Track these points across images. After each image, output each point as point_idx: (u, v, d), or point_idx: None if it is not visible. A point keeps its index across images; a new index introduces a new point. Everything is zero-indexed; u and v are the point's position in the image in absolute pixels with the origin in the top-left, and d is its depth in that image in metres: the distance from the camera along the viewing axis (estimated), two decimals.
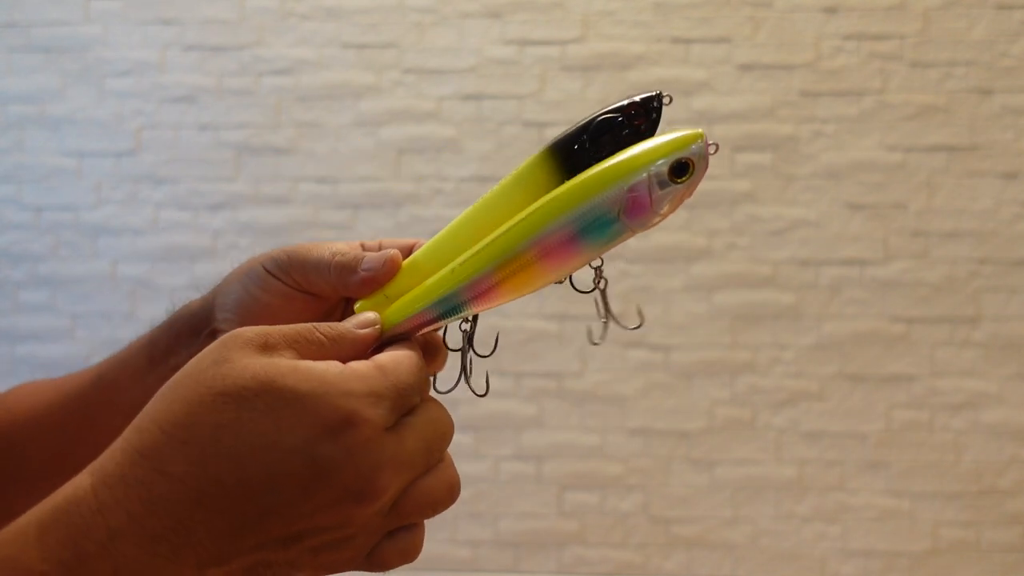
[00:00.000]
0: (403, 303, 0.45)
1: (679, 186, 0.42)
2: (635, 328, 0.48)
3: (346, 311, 0.51)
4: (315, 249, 0.47)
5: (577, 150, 0.45)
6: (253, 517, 0.34)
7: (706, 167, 0.42)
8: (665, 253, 1.99)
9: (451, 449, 0.42)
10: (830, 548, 1.97)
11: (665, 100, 0.45)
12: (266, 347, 0.37)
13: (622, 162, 0.42)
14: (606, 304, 0.45)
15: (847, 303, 1.97)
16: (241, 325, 0.47)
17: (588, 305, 0.46)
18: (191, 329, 0.51)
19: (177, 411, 0.35)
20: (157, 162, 2.10)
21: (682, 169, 0.42)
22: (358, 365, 0.38)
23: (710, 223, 1.99)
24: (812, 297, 1.98)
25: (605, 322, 0.45)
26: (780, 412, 1.98)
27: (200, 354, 0.38)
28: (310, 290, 0.48)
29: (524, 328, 2.00)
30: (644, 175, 0.42)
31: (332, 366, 0.37)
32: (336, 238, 2.07)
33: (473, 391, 0.46)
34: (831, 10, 1.98)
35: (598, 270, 0.45)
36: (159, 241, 2.09)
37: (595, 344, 0.49)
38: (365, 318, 0.43)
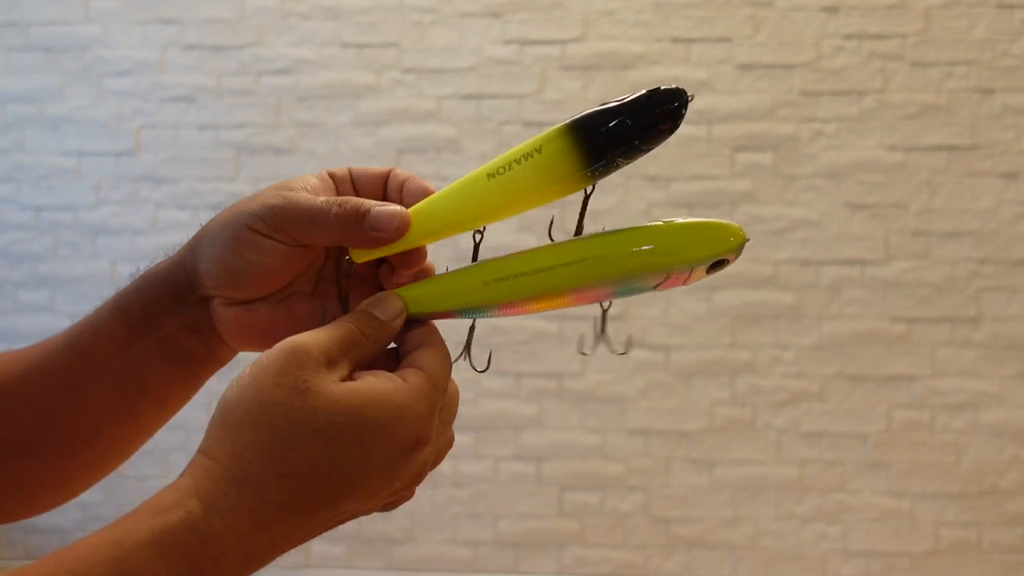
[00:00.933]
0: (428, 295, 0.48)
1: (710, 274, 0.47)
2: (621, 354, 0.51)
3: (331, 252, 0.51)
4: (303, 200, 0.47)
5: (600, 135, 0.46)
6: (333, 514, 0.42)
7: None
8: None
9: (451, 450, 0.47)
10: (831, 548, 1.97)
11: (689, 97, 0.46)
12: (331, 363, 0.42)
13: (673, 247, 0.46)
14: (603, 322, 0.49)
15: (847, 303, 1.97)
16: (237, 289, 0.48)
17: (590, 306, 0.47)
18: (173, 297, 0.50)
19: (274, 445, 0.40)
20: (156, 162, 2.09)
21: (719, 263, 0.46)
22: (417, 382, 0.43)
23: None
24: (812, 297, 1.97)
25: (597, 339, 0.49)
26: (780, 412, 1.98)
27: (270, 372, 0.41)
28: (305, 243, 0.47)
29: (524, 328, 2.00)
30: (688, 267, 0.46)
31: (399, 391, 0.42)
32: None
33: (473, 367, 0.49)
34: (831, 10, 1.97)
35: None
36: (159, 241, 2.09)
37: (584, 354, 0.54)
38: (394, 308, 0.46)
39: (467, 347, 0.49)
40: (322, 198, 0.47)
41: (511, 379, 2.01)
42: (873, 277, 1.96)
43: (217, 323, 0.49)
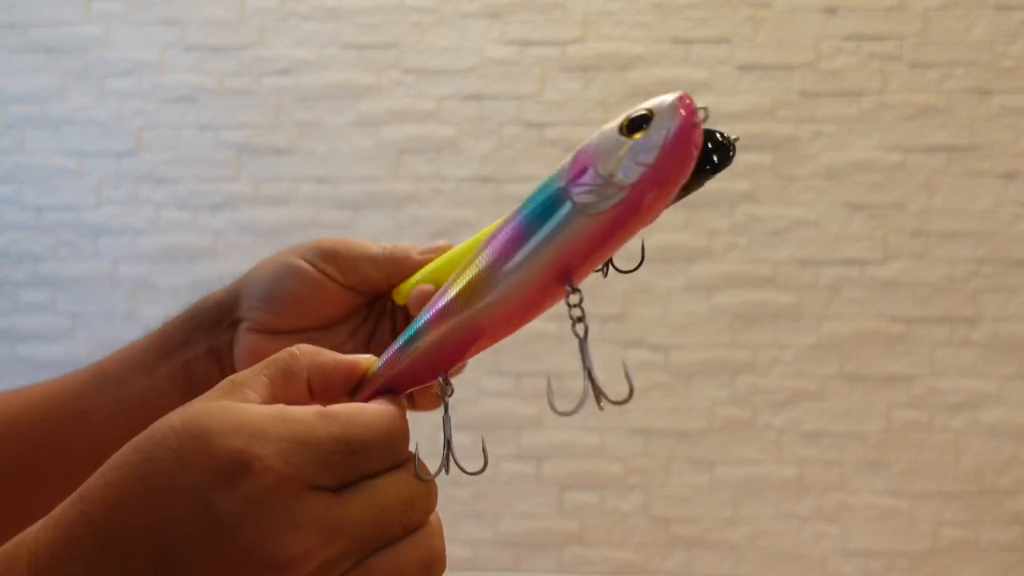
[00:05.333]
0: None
1: (635, 141, 0.31)
2: (622, 403, 0.35)
3: (370, 314, 0.50)
4: (361, 244, 0.49)
5: None
6: (164, 566, 0.30)
7: (687, 131, 0.30)
8: (665, 253, 2.00)
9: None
10: (830, 548, 1.97)
11: (734, 139, 0.40)
12: (235, 385, 0.34)
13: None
14: (587, 367, 0.34)
15: (847, 303, 1.97)
16: (266, 312, 0.48)
17: (590, 304, 0.37)
18: (213, 320, 0.50)
19: (118, 454, 0.32)
20: (157, 162, 2.10)
21: (638, 124, 0.31)
22: (296, 408, 0.32)
23: (710, 223, 1.99)
24: (812, 297, 1.98)
25: (587, 390, 0.35)
26: (780, 412, 1.98)
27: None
28: (347, 280, 0.48)
29: (524, 328, 2.00)
30: (587, 144, 0.32)
31: (264, 407, 0.32)
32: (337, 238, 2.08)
33: (462, 469, 0.39)
34: (831, 10, 1.98)
35: (576, 308, 0.34)
36: (159, 241, 2.09)
37: (563, 414, 0.37)
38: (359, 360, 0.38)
39: (446, 439, 0.38)
40: (380, 246, 0.49)
41: (511, 379, 2.02)
42: (872, 277, 1.97)
43: (235, 347, 0.48)
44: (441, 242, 0.49)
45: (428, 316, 0.37)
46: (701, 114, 0.31)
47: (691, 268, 2.00)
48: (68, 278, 2.11)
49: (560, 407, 0.36)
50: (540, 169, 2.00)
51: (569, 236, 0.32)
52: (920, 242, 1.96)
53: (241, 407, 0.32)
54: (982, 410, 1.94)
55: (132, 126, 2.10)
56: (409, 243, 0.49)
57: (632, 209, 0.31)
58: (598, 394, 0.35)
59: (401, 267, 0.48)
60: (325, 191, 2.06)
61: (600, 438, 2.01)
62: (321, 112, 2.07)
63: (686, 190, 0.36)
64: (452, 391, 0.38)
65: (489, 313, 0.36)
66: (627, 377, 0.35)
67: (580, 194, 0.31)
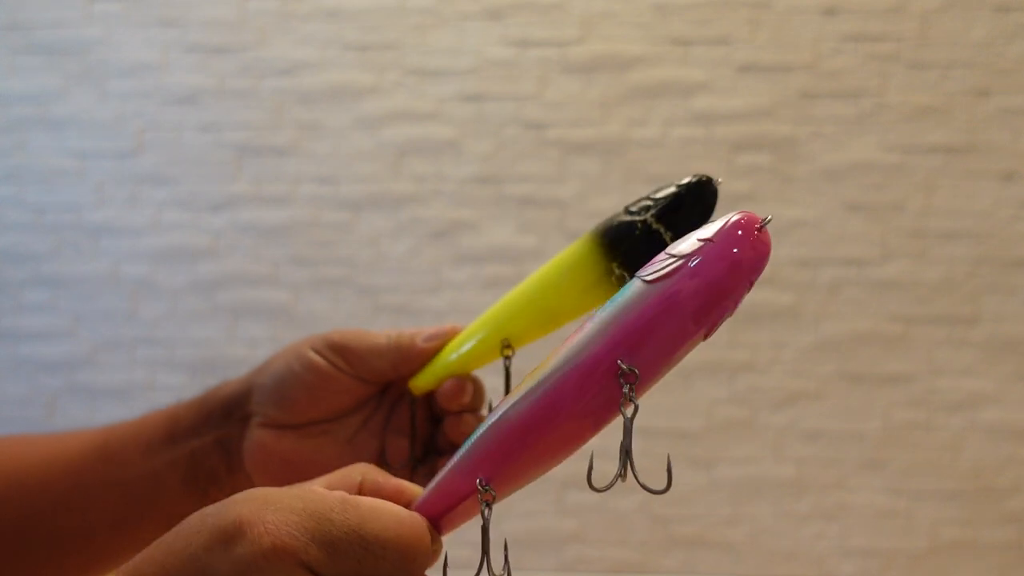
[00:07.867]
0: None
1: (698, 231, 0.36)
2: (661, 492, 0.33)
3: (383, 403, 0.51)
4: (368, 336, 0.49)
5: (630, 239, 0.46)
6: None
7: (748, 220, 0.34)
8: None
9: None
10: (829, 546, 1.98)
11: (718, 181, 0.45)
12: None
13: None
14: (626, 447, 0.32)
15: (845, 303, 1.98)
16: (277, 407, 0.47)
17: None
18: (223, 411, 0.49)
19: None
20: (159, 163, 2.10)
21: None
22: (320, 489, 0.32)
23: None
24: (811, 297, 1.98)
25: (620, 472, 0.32)
26: (779, 411, 1.99)
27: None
28: (356, 372, 0.49)
29: None
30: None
31: (292, 486, 0.32)
32: (337, 238, 2.09)
33: None
34: (830, 11, 1.98)
35: (628, 387, 0.31)
36: (161, 241, 2.10)
37: (596, 490, 0.35)
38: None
39: (484, 551, 0.36)
40: (386, 335, 0.50)
41: (511, 379, 2.02)
42: (871, 277, 1.97)
43: (245, 442, 0.48)
44: (447, 326, 0.50)
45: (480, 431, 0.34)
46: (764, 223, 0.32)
47: None
48: (69, 278, 2.11)
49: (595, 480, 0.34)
50: (540, 169, 2.01)
51: (625, 306, 0.33)
52: (919, 242, 1.97)
53: (276, 488, 0.31)
54: (981, 410, 1.95)
55: (133, 127, 2.11)
56: (414, 329, 0.49)
57: (690, 275, 0.32)
58: (636, 478, 0.33)
59: (406, 356, 0.49)
60: (326, 191, 2.07)
61: (599, 438, 2.01)
62: (322, 113, 2.07)
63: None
64: (494, 496, 0.35)
65: (535, 401, 0.34)
66: (668, 471, 0.34)
67: (645, 269, 0.32)
